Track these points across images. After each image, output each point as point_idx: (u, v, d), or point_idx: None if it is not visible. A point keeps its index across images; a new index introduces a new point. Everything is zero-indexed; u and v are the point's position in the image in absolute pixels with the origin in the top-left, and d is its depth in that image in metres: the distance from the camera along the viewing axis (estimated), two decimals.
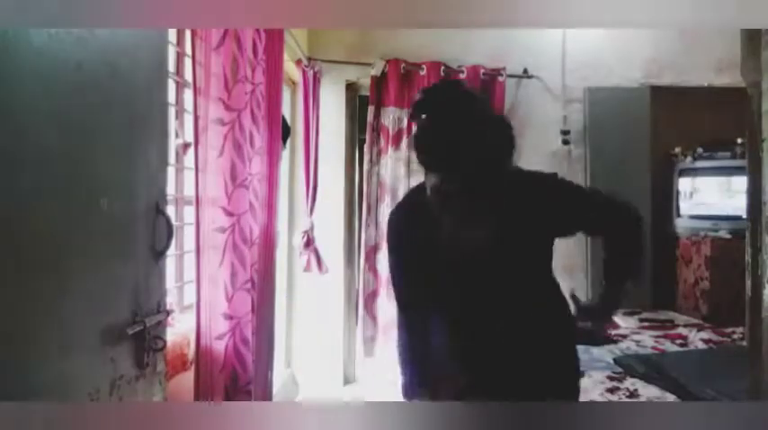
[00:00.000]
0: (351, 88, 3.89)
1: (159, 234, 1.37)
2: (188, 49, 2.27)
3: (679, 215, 3.72)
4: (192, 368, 1.90)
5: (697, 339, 2.82)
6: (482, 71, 3.70)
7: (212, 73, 1.83)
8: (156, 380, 1.39)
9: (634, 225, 1.48)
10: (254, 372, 2.12)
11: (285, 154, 3.48)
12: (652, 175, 3.77)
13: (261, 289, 2.20)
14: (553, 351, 1.47)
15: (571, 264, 3.80)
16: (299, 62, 3.45)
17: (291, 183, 3.75)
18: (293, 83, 3.74)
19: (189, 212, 2.29)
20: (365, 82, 3.73)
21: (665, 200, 3.79)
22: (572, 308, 1.52)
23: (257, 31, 2.11)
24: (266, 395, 2.34)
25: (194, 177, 1.80)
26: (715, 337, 2.85)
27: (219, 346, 1.87)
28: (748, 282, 1.00)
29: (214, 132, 1.85)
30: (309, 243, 3.43)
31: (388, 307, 3.63)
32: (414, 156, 1.53)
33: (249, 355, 1.99)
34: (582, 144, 3.82)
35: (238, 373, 1.94)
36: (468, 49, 3.75)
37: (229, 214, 1.90)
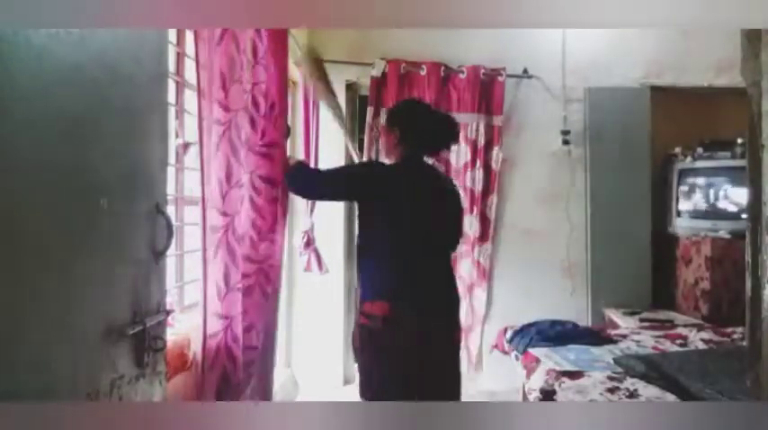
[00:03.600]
0: (351, 88, 3.89)
1: (159, 234, 1.37)
2: (188, 49, 2.27)
3: (679, 215, 3.72)
4: (193, 368, 1.91)
5: (697, 339, 2.82)
6: (482, 71, 3.71)
7: (213, 72, 1.83)
8: (156, 380, 1.39)
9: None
10: (257, 372, 2.13)
11: None
12: (652, 175, 3.77)
13: (263, 289, 2.20)
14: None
15: (571, 265, 3.81)
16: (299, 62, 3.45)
17: None
18: (293, 83, 3.74)
19: (189, 212, 2.29)
20: (365, 82, 3.73)
21: (665, 200, 3.79)
22: None
23: (257, 31, 2.11)
24: (266, 395, 2.34)
25: (200, 177, 1.81)
26: (715, 337, 2.84)
27: (216, 345, 1.88)
28: (748, 282, 1.00)
29: (212, 132, 1.85)
30: (309, 243, 3.43)
31: None
32: None
33: (240, 355, 1.99)
34: (582, 144, 3.82)
35: (228, 373, 1.94)
36: (468, 49, 3.75)
37: (223, 214, 1.90)
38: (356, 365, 2.21)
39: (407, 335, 1.92)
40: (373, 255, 2.06)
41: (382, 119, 3.69)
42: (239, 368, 1.97)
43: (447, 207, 2.17)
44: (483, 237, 3.77)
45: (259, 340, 2.15)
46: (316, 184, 2.23)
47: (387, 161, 2.23)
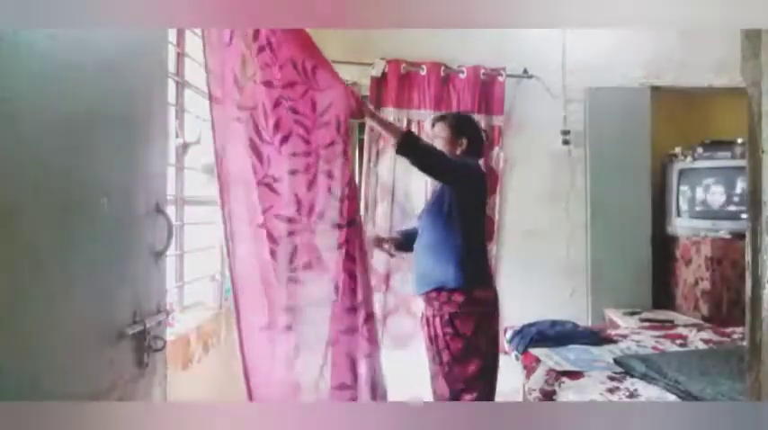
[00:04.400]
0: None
1: (159, 234, 1.37)
2: (188, 50, 2.27)
3: (679, 215, 3.72)
4: (199, 366, 1.90)
5: (697, 339, 2.82)
6: (482, 71, 3.71)
7: (221, 74, 1.82)
8: (156, 380, 1.39)
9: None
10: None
11: None
12: (652, 175, 3.77)
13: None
14: None
15: (571, 265, 3.81)
16: None
17: None
18: None
19: (189, 212, 2.29)
20: (365, 82, 3.73)
21: (665, 200, 3.79)
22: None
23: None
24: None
25: (217, 180, 1.80)
26: (715, 337, 2.84)
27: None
28: (748, 282, 1.00)
29: (232, 131, 1.85)
30: None
31: (384, 302, 3.66)
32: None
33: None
34: (582, 144, 3.82)
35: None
36: (468, 49, 3.75)
37: (263, 211, 1.92)
38: (449, 349, 2.25)
39: (497, 309, 2.38)
40: (475, 248, 2.34)
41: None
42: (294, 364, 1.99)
43: None
44: (488, 237, 3.75)
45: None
46: (447, 163, 2.32)
47: None
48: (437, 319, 2.28)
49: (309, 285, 2.01)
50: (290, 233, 1.99)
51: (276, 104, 2.04)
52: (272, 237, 1.94)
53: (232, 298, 1.81)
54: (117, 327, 1.19)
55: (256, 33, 1.97)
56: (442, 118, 2.56)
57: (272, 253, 1.94)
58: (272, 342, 1.88)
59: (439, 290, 2.27)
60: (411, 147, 2.25)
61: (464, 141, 2.42)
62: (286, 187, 2.02)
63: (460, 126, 2.48)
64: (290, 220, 2.01)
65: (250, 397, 1.78)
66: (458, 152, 2.42)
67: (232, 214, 1.82)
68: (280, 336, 1.89)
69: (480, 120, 3.69)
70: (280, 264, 1.94)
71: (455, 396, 2.23)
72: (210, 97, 1.78)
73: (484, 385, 2.27)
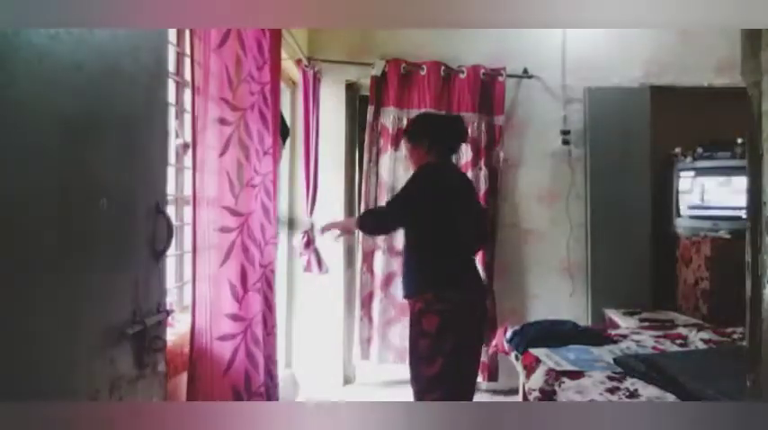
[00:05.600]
0: (351, 88, 3.89)
1: (159, 234, 1.37)
2: (188, 49, 2.27)
3: (679, 215, 3.72)
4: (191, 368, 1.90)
5: (697, 339, 2.82)
6: (482, 71, 3.70)
7: (213, 72, 1.82)
8: (156, 380, 1.39)
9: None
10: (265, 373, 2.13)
11: (285, 154, 3.48)
12: (652, 175, 3.77)
13: (266, 294, 2.20)
14: None
15: (571, 265, 3.81)
16: (299, 62, 3.45)
17: (291, 183, 3.76)
18: (293, 83, 3.74)
19: (189, 212, 2.28)
20: (365, 82, 3.73)
21: (665, 200, 3.79)
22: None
23: (262, 29, 2.11)
24: (274, 395, 2.34)
25: (192, 177, 1.80)
26: (715, 337, 2.84)
27: (226, 348, 1.86)
28: (748, 282, 1.00)
29: (217, 132, 1.84)
30: (309, 243, 3.43)
31: (384, 308, 3.62)
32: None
33: (261, 356, 1.98)
34: (582, 144, 3.82)
35: (251, 375, 1.93)
36: (469, 49, 3.75)
37: (237, 214, 1.89)
38: (417, 348, 2.28)
39: (475, 312, 2.33)
40: (443, 250, 2.30)
41: (383, 119, 3.69)
42: (260, 370, 1.96)
43: (476, 201, 2.69)
44: (491, 237, 3.73)
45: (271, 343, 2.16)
46: (389, 214, 2.40)
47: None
48: (410, 319, 2.33)
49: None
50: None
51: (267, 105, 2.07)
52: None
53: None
54: (117, 327, 1.19)
55: (247, 33, 1.98)
56: (404, 133, 2.57)
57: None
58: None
59: (414, 292, 2.31)
60: (364, 223, 2.50)
61: (426, 142, 2.37)
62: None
63: (415, 129, 2.44)
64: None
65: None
66: (425, 152, 2.37)
67: (206, 214, 1.82)
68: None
69: (481, 119, 3.68)
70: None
71: (418, 396, 2.25)
72: (194, 90, 1.77)
73: (446, 387, 2.19)
